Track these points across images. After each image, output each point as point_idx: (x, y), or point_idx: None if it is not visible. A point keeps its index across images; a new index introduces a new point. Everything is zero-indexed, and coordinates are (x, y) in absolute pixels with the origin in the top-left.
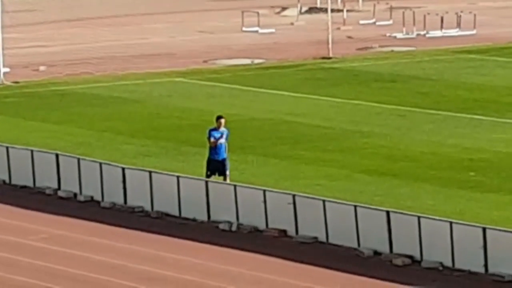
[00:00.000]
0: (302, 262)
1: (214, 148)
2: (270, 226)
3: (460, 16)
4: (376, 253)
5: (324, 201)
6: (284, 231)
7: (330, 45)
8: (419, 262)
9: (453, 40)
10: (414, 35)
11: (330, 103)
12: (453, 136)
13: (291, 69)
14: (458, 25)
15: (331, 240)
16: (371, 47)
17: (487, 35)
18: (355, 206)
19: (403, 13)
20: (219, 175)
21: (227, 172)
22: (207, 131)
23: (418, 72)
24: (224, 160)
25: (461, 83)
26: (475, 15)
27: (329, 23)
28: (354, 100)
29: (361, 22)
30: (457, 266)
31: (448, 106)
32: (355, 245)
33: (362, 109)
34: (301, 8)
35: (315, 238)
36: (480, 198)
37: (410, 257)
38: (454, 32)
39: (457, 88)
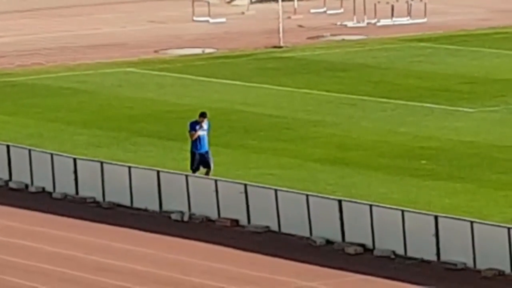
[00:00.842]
0: (254, 251)
1: (196, 141)
2: (222, 215)
3: (411, 4)
4: (329, 242)
5: (276, 190)
6: (236, 221)
7: (281, 34)
8: (372, 250)
9: (403, 29)
10: (365, 24)
11: (281, 92)
12: (404, 124)
13: (242, 58)
14: (409, 13)
15: (283, 229)
16: (322, 36)
17: (437, 23)
18: (307, 195)
19: (354, 1)
20: (204, 167)
21: (212, 166)
22: (188, 124)
23: (369, 61)
24: (206, 152)
25: (412, 71)
26: (425, 3)
27: (280, 12)
28: (305, 89)
29: (312, 11)
30: (409, 254)
31: (399, 95)
32: (307, 234)
33: (313, 98)
34: None
35: (267, 227)
36: (431, 186)
37: (363, 245)
38: (404, 20)
39: (408, 77)
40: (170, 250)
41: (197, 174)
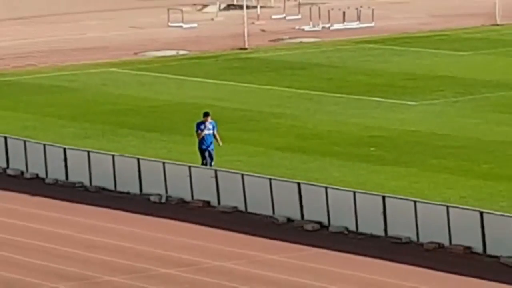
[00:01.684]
0: (224, 229)
1: (203, 139)
2: (195, 198)
3: (360, 10)
4: (289, 220)
5: (242, 174)
6: (208, 202)
7: (246, 38)
8: (327, 227)
9: (354, 32)
10: (319, 28)
11: (247, 88)
12: (355, 116)
13: (212, 59)
14: (358, 18)
15: (249, 209)
16: (282, 39)
17: (384, 27)
18: (270, 179)
19: (310, 8)
20: (209, 159)
21: (213, 163)
22: (195, 125)
23: (324, 61)
24: (212, 149)
25: (362, 69)
26: (373, 9)
27: (245, 18)
28: (268, 85)
29: (273, 17)
30: (360, 230)
31: (351, 90)
32: (270, 213)
33: (275, 94)
34: (220, 5)
35: (235, 207)
36: (379, 170)
37: (319, 223)
38: (355, 24)
39: (358, 74)
40: (150, 228)
41: (172, 161)
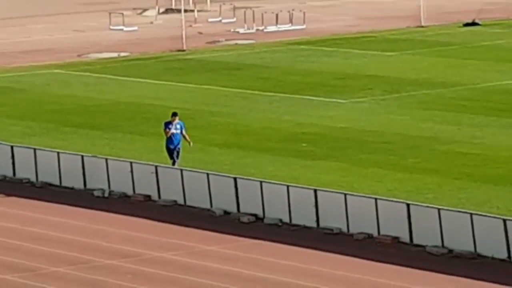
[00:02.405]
0: (164, 221)
1: (170, 138)
2: (136, 192)
3: (292, 13)
4: (226, 212)
5: (181, 170)
6: (149, 196)
7: (184, 40)
8: (262, 219)
9: (286, 34)
10: (254, 30)
11: (185, 88)
12: (288, 113)
13: (152, 60)
14: (291, 21)
15: (188, 203)
16: (218, 41)
17: (315, 29)
18: (208, 174)
19: (245, 12)
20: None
21: (178, 160)
22: (163, 124)
23: (258, 61)
24: (178, 147)
25: (294, 69)
26: (304, 12)
27: (183, 21)
28: (205, 85)
29: (210, 20)
30: (293, 222)
31: (284, 89)
32: (208, 206)
33: (212, 93)
34: (159, 9)
35: (175, 201)
36: (311, 165)
37: (255, 215)
38: (287, 27)
39: (291, 74)
40: (93, 222)
41: (115, 157)
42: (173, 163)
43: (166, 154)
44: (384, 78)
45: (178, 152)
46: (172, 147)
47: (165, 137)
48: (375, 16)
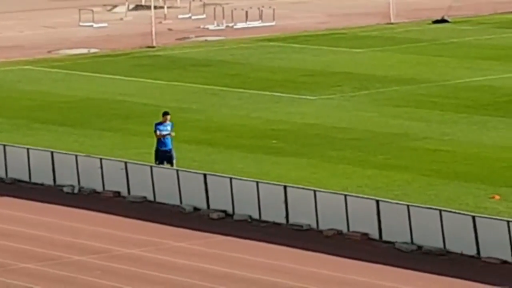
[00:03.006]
0: (134, 218)
1: (161, 140)
2: (106, 188)
3: (262, 10)
4: (196, 209)
5: (151, 166)
6: (118, 193)
7: (153, 36)
8: (232, 215)
9: (256, 31)
10: (223, 27)
11: (155, 84)
12: (258, 110)
13: (122, 57)
14: (260, 17)
15: (158, 199)
16: (188, 37)
17: (284, 25)
18: (177, 170)
19: (214, 8)
20: (167, 163)
21: (174, 161)
22: (154, 125)
23: (228, 58)
24: (170, 150)
25: (264, 66)
26: (274, 9)
27: (153, 18)
28: (175, 82)
29: (180, 16)
30: (263, 218)
31: (253, 85)
32: (178, 203)
33: (181, 89)
34: (128, 6)
35: (145, 197)
36: (281, 161)
37: (224, 211)
38: (257, 23)
39: (261, 70)
40: (63, 218)
41: (84, 153)
42: (157, 162)
43: (152, 155)
44: (354, 75)
45: (170, 157)
46: (163, 149)
47: (155, 139)
48: (345, 13)
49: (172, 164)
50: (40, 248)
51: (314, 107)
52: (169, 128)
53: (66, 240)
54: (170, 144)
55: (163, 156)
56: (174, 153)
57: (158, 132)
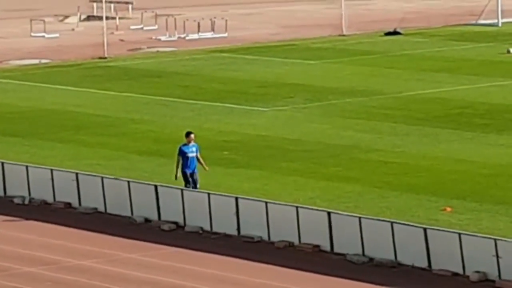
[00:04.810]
0: (84, 229)
1: (187, 162)
2: (57, 199)
3: (214, 21)
4: (147, 220)
5: (102, 177)
6: (69, 204)
7: (105, 47)
8: (183, 227)
9: (208, 42)
10: (175, 38)
11: (106, 95)
12: (210, 121)
13: (73, 67)
14: (212, 29)
15: (109, 210)
16: (140, 48)
17: (236, 37)
18: (128, 182)
19: (166, 19)
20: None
21: (198, 186)
22: (178, 148)
23: (180, 69)
24: (194, 172)
25: (216, 77)
26: (226, 20)
27: (104, 29)
28: (126, 92)
29: (132, 27)
30: (214, 229)
31: (205, 97)
32: (129, 214)
33: (133, 100)
34: (80, 16)
35: (95, 209)
36: (233, 173)
37: (175, 223)
38: (209, 35)
39: (213, 82)
40: (13, 229)
41: (35, 164)
42: (187, 185)
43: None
44: (306, 86)
45: (195, 180)
46: (188, 172)
47: (176, 161)
48: (297, 24)
49: (196, 183)
50: None
51: (266, 118)
52: (194, 149)
53: (16, 251)
54: (194, 166)
55: (188, 178)
56: (198, 177)
57: (180, 156)
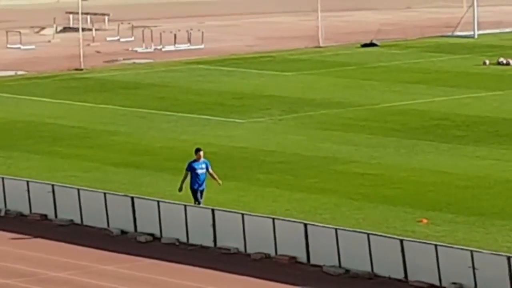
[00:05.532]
0: (61, 241)
1: (196, 179)
2: (33, 211)
3: (191, 33)
4: (123, 232)
5: (78, 189)
6: (45, 215)
7: (81, 59)
8: (159, 239)
9: (185, 53)
10: (152, 50)
11: (82, 107)
12: (186, 133)
13: (49, 79)
14: (189, 40)
15: (85, 222)
16: (117, 60)
17: (213, 49)
18: (105, 193)
19: (143, 31)
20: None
21: (202, 200)
22: (187, 164)
23: (156, 80)
24: (203, 190)
25: (192, 89)
26: (202, 32)
27: (81, 40)
28: (103, 104)
29: (108, 39)
30: (191, 241)
31: (182, 108)
32: (105, 226)
33: (109, 112)
34: (56, 28)
35: (71, 220)
36: (209, 184)
37: (152, 235)
38: (185, 46)
39: (189, 93)
40: None
41: (11, 176)
42: (196, 202)
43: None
44: (282, 98)
45: (202, 192)
46: (196, 188)
47: (184, 175)
48: (274, 36)
49: (202, 197)
50: None
51: (243, 130)
52: (203, 166)
53: None
54: (203, 182)
55: (197, 195)
56: (204, 193)
57: (188, 172)
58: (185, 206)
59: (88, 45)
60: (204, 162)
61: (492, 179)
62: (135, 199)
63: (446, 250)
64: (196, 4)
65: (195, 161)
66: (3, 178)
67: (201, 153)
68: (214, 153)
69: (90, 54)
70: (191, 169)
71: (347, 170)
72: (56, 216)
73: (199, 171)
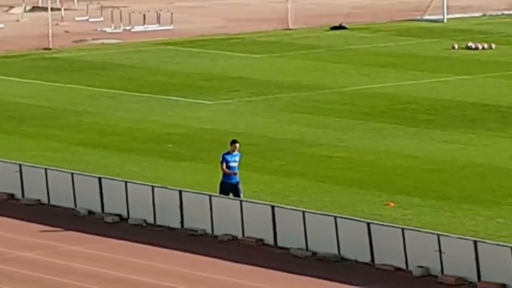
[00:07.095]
0: (27, 221)
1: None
2: (0, 191)
3: (160, 14)
4: (90, 212)
5: (46, 169)
6: (12, 195)
7: (50, 38)
8: (126, 219)
9: (154, 34)
10: (121, 30)
11: (50, 87)
12: (154, 114)
13: (18, 58)
14: (158, 21)
15: (52, 202)
16: (85, 40)
17: (182, 30)
18: (72, 173)
19: (112, 11)
20: (234, 195)
21: (241, 195)
22: (221, 155)
23: (125, 61)
24: (237, 183)
25: (161, 70)
26: (172, 13)
27: (49, 20)
28: (71, 84)
29: (77, 19)
30: (158, 222)
31: (150, 89)
32: (72, 206)
33: (77, 92)
34: (25, 7)
35: (39, 200)
36: (177, 166)
37: (119, 215)
38: (154, 27)
39: (157, 74)
40: None
41: None
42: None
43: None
44: (251, 80)
45: (237, 190)
46: (230, 182)
47: (221, 168)
48: (243, 18)
49: (240, 192)
50: None
51: (211, 111)
52: (237, 159)
53: None
54: (237, 177)
55: (228, 188)
56: (241, 186)
57: (224, 166)
58: (152, 187)
59: (57, 24)
60: (237, 155)
61: (459, 163)
62: (102, 180)
63: (413, 233)
64: None
65: (228, 153)
66: None
67: (237, 145)
68: (182, 135)
69: (58, 33)
70: (224, 161)
71: (315, 153)
72: (23, 195)
73: (232, 164)
